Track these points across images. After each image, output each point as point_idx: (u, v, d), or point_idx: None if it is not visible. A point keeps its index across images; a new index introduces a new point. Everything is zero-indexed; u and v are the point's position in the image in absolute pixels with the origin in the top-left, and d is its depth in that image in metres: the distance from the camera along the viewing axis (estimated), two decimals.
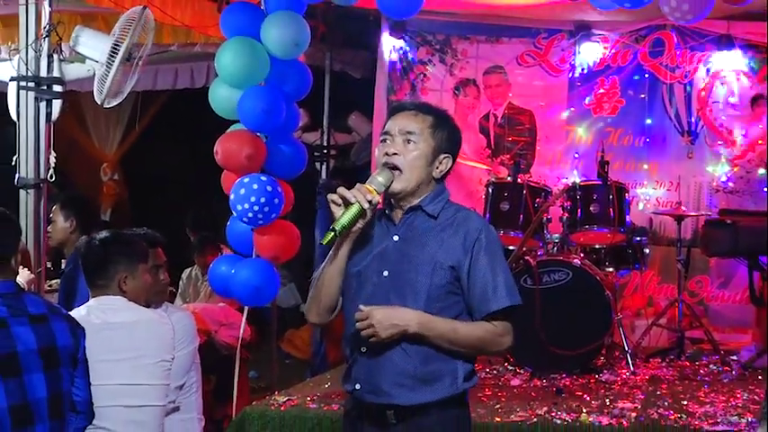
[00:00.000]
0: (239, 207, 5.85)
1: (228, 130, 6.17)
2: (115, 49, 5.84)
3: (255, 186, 5.82)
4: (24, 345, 3.64)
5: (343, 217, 3.50)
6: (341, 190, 3.54)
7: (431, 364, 3.57)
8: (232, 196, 5.91)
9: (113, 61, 5.85)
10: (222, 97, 6.08)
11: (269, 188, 5.83)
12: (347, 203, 3.52)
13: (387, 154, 3.61)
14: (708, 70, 9.32)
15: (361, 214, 3.52)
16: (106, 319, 4.31)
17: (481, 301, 3.55)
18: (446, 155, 3.67)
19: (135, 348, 4.39)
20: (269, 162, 6.10)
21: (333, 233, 3.51)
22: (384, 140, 3.66)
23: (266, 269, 6.07)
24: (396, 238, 3.64)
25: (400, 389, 3.56)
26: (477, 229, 3.59)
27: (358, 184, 3.57)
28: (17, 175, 5.81)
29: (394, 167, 3.59)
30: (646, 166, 9.40)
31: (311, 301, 3.76)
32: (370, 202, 3.50)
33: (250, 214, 5.84)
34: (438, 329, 3.53)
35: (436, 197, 3.66)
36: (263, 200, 5.81)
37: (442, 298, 3.56)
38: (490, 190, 7.99)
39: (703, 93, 9.33)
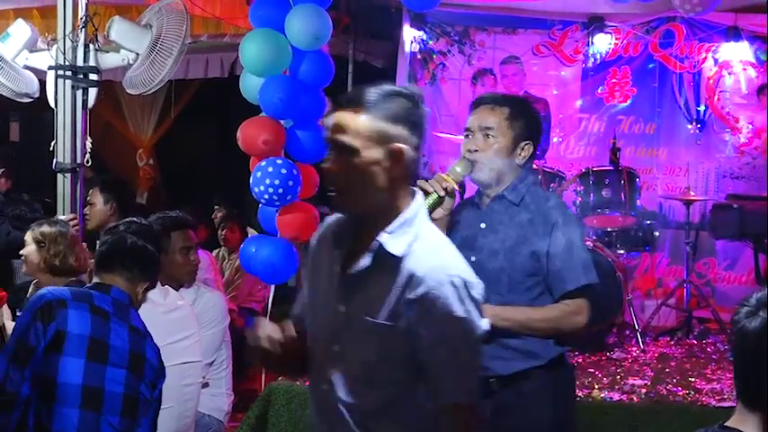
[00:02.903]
0: (256, 189, 5.94)
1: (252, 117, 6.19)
2: (164, 44, 5.83)
3: (271, 170, 5.89)
4: (119, 340, 3.63)
5: None
6: (420, 182, 3.61)
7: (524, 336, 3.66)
8: (251, 179, 5.95)
9: (160, 55, 5.84)
10: (253, 86, 6.11)
11: (283, 171, 5.88)
12: (427, 193, 3.61)
13: (468, 150, 3.71)
14: (716, 61, 9.23)
15: (438, 202, 3.65)
16: (167, 302, 4.31)
17: (558, 280, 3.62)
18: (526, 142, 3.73)
19: (190, 327, 4.40)
20: (291, 147, 6.14)
21: None
22: (467, 136, 3.77)
23: (285, 249, 6.10)
24: (483, 225, 3.74)
25: (497, 360, 3.61)
26: (556, 213, 3.67)
27: (437, 174, 3.71)
28: (55, 160, 5.81)
29: (476, 162, 3.68)
30: (656, 153, 9.32)
31: None
32: (445, 189, 3.64)
33: (266, 196, 5.91)
34: (512, 319, 3.61)
35: (519, 184, 3.75)
36: (277, 182, 5.86)
37: (522, 280, 3.65)
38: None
39: (711, 82, 9.25)
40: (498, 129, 3.69)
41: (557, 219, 3.65)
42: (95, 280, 3.77)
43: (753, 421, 2.04)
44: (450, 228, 3.76)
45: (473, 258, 3.65)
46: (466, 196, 3.93)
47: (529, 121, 3.77)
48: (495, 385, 3.65)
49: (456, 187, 3.68)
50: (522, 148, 3.73)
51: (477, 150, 3.70)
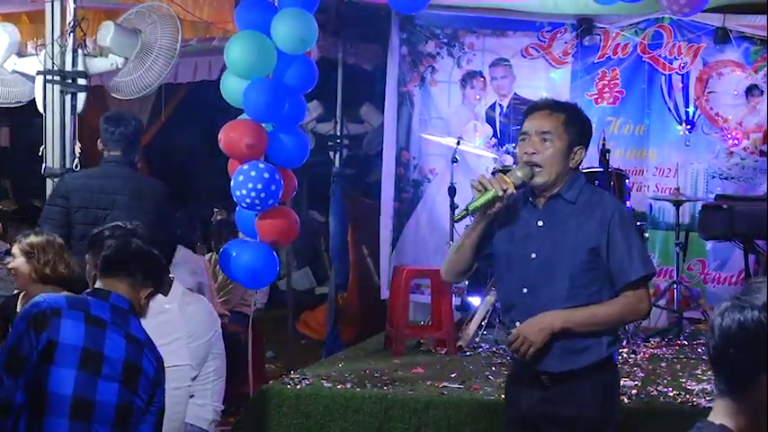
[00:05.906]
0: (238, 193, 5.82)
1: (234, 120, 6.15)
2: (159, 51, 5.83)
3: (253, 173, 5.78)
4: (113, 352, 3.55)
5: (478, 200, 3.83)
6: (481, 177, 3.91)
7: (577, 337, 3.83)
8: (232, 182, 5.87)
9: (155, 62, 5.84)
10: (233, 87, 6.04)
11: (266, 175, 5.79)
12: (485, 189, 3.82)
13: (526, 153, 3.86)
14: (704, 62, 9.24)
15: (493, 200, 3.82)
16: (154, 305, 4.29)
17: (620, 273, 3.81)
18: (579, 146, 3.91)
19: (177, 331, 4.39)
20: (272, 151, 6.07)
21: (465, 211, 3.88)
22: (522, 140, 3.93)
23: (265, 253, 6.04)
24: (540, 223, 3.90)
25: (552, 357, 3.83)
26: (612, 209, 3.87)
27: (498, 174, 3.91)
28: (44, 165, 5.80)
29: (534, 165, 3.84)
30: (645, 154, 9.33)
31: (447, 264, 4.14)
32: (504, 191, 3.80)
33: (248, 200, 5.80)
34: (579, 320, 3.81)
35: (573, 184, 3.92)
36: (259, 186, 5.76)
37: (583, 275, 3.82)
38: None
39: (700, 83, 9.25)
40: (555, 133, 3.86)
41: (613, 214, 3.83)
42: (97, 285, 3.74)
43: (722, 408, 2.20)
44: (502, 224, 3.95)
45: (533, 256, 3.87)
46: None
47: (582, 127, 3.96)
48: (547, 381, 3.85)
49: (514, 191, 3.83)
50: (576, 152, 3.91)
51: (534, 153, 3.85)
